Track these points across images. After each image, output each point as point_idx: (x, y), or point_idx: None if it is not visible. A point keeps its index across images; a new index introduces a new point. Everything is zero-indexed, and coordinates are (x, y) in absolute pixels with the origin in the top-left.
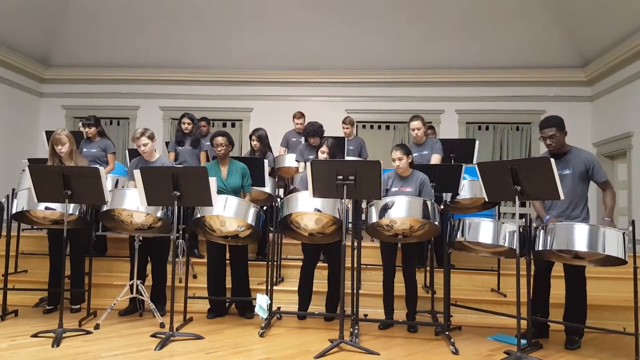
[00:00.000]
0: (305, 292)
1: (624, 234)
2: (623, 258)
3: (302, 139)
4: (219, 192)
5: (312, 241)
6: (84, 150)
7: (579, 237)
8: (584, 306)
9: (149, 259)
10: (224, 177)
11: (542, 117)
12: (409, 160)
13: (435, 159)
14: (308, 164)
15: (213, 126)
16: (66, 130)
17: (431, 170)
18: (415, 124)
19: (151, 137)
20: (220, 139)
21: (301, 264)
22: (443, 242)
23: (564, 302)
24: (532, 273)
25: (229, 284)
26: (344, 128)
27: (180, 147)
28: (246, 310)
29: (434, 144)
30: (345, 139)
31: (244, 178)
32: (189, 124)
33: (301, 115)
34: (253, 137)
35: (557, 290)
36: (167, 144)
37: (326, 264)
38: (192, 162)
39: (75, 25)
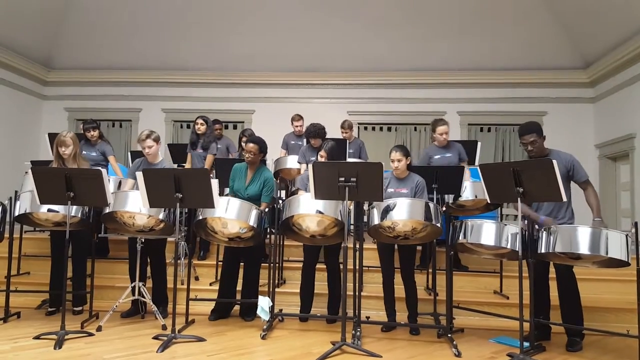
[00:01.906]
0: (306, 294)
1: (626, 235)
2: (626, 260)
3: (301, 142)
4: (237, 197)
5: (314, 243)
6: (84, 153)
7: (582, 239)
8: (578, 304)
9: (148, 260)
10: (246, 183)
11: (544, 118)
12: (408, 162)
13: (466, 170)
14: (310, 165)
15: (227, 128)
16: (71, 133)
17: (433, 172)
18: (443, 128)
19: (156, 140)
20: (250, 146)
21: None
22: (446, 244)
23: (559, 304)
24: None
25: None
26: (342, 132)
27: (192, 151)
28: (246, 313)
29: (460, 148)
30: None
31: (265, 187)
32: (201, 124)
33: (299, 117)
34: (244, 138)
35: (554, 292)
36: (169, 145)
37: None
38: (201, 166)
39: (77, 28)
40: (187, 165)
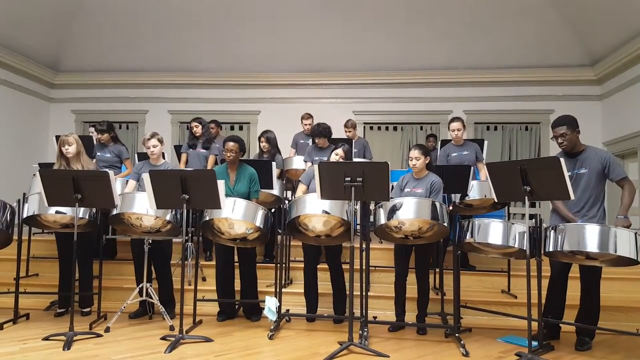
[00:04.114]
0: (311, 294)
1: (635, 234)
2: (635, 258)
3: (310, 140)
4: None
5: (319, 243)
6: (98, 154)
7: (590, 237)
8: (598, 308)
9: (151, 262)
10: (231, 184)
11: (551, 116)
12: (426, 162)
13: (482, 169)
14: (315, 165)
15: (221, 129)
16: (74, 133)
17: (440, 171)
18: (456, 125)
19: (161, 141)
20: (231, 144)
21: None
22: (454, 243)
23: (579, 303)
24: (548, 274)
25: (238, 286)
26: (346, 132)
27: (191, 150)
28: (252, 313)
29: (476, 147)
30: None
31: (251, 183)
32: (196, 126)
33: (309, 116)
34: (262, 139)
35: (570, 291)
36: (175, 147)
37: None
38: (200, 165)
39: (84, 31)
40: (182, 165)
